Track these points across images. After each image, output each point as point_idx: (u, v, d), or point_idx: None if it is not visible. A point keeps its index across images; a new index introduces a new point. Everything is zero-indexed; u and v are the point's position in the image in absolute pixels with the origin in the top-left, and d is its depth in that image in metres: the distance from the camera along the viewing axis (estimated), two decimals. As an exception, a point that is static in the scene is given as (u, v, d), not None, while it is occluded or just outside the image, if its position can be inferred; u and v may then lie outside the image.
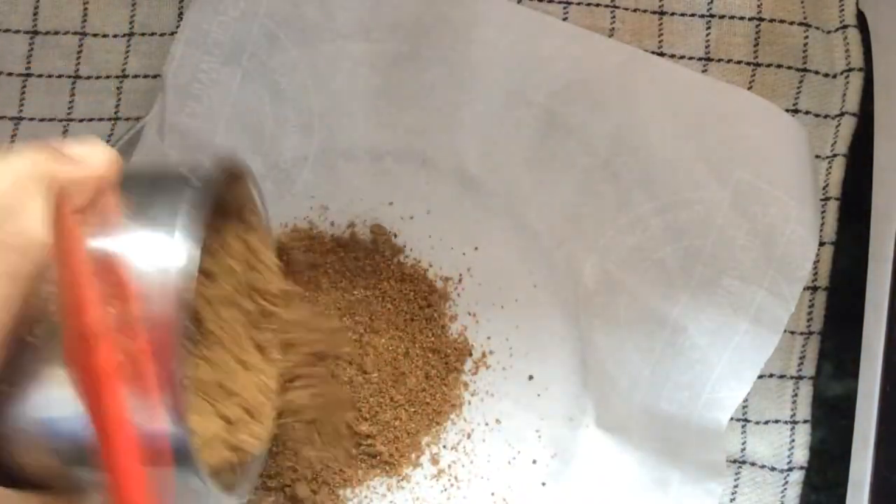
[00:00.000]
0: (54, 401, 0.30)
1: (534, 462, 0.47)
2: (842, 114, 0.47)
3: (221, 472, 0.36)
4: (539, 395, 0.47)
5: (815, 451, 0.46)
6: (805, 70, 0.48)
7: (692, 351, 0.45)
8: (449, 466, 0.47)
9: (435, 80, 0.47)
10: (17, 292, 0.27)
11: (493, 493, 0.47)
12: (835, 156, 0.47)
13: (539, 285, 0.48)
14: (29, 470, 0.31)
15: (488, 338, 0.48)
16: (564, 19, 0.49)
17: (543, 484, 0.47)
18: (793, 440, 0.46)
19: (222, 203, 0.37)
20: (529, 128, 0.47)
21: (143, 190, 0.32)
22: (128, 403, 0.28)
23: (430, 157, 0.49)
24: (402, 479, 0.46)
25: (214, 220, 0.36)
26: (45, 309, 0.29)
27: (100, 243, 0.30)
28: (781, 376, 0.47)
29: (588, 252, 0.47)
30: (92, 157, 0.30)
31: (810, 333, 0.47)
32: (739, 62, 0.48)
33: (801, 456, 0.46)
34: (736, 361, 0.44)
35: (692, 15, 0.48)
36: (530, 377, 0.48)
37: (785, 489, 0.46)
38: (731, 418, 0.45)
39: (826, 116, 0.48)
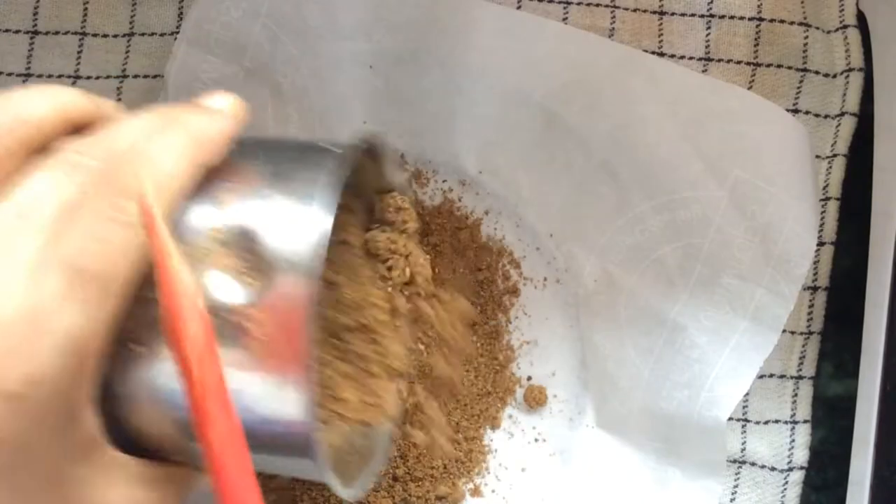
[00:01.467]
0: None
1: (534, 462, 0.47)
2: (842, 114, 0.47)
3: (340, 465, 0.34)
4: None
5: (815, 451, 0.46)
6: (805, 70, 0.48)
7: (691, 350, 0.45)
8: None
9: (434, 83, 0.48)
10: (138, 241, 0.26)
11: (493, 491, 0.47)
12: (835, 156, 0.47)
13: (539, 286, 0.48)
14: (147, 437, 0.30)
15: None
16: (564, 19, 0.49)
17: (544, 484, 0.47)
18: (793, 440, 0.46)
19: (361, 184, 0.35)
20: (528, 129, 0.47)
21: (275, 156, 0.30)
22: (233, 384, 0.26)
23: (430, 159, 0.49)
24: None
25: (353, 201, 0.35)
26: None
27: (230, 210, 0.28)
28: (781, 376, 0.47)
29: (588, 252, 0.47)
30: (225, 108, 0.30)
31: (810, 333, 0.47)
32: (739, 62, 0.48)
33: (801, 456, 0.46)
34: (735, 360, 0.44)
35: (692, 15, 0.48)
36: (529, 378, 0.48)
37: (785, 489, 0.46)
38: (731, 418, 0.45)
39: (826, 116, 0.48)
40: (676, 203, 0.45)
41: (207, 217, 0.28)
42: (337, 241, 0.35)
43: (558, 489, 0.47)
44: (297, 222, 0.28)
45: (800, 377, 0.47)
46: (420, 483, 0.46)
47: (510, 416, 0.48)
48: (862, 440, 0.43)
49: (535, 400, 0.47)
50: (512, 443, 0.47)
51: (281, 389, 0.28)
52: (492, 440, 0.47)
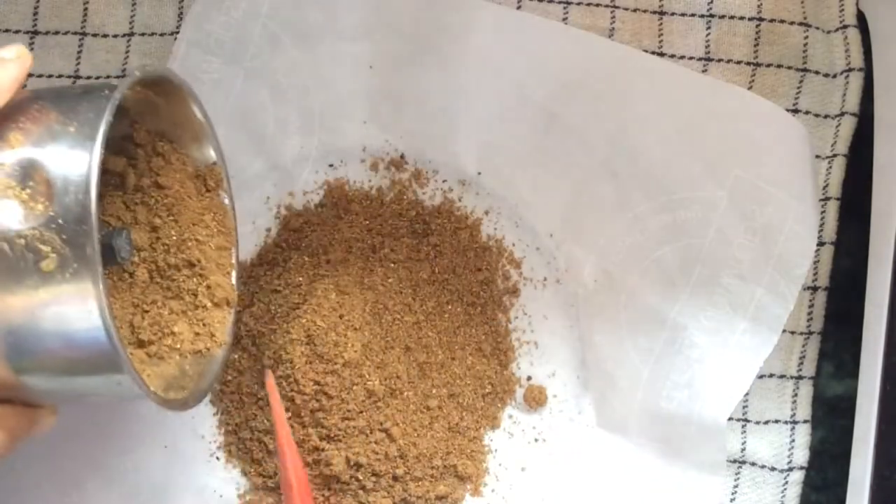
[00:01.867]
0: None
1: (534, 462, 0.47)
2: (842, 114, 0.47)
3: (174, 391, 0.38)
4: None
5: (815, 451, 0.46)
6: (805, 70, 0.48)
7: (691, 350, 0.45)
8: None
9: (434, 83, 0.48)
10: None
11: (493, 491, 0.47)
12: (835, 156, 0.47)
13: (539, 286, 0.48)
14: None
15: (488, 338, 0.48)
16: (564, 19, 0.49)
17: (544, 484, 0.47)
18: (793, 440, 0.46)
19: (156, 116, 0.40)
20: (528, 129, 0.47)
21: (59, 97, 0.34)
22: (36, 309, 0.31)
23: (430, 159, 0.49)
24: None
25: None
26: None
27: (15, 146, 0.33)
28: (781, 376, 0.47)
29: (587, 252, 0.47)
30: (11, 56, 0.34)
31: (810, 333, 0.47)
32: (739, 62, 0.48)
33: (801, 456, 0.46)
34: (735, 360, 0.44)
35: (692, 15, 0.48)
36: (529, 378, 0.48)
37: (785, 489, 0.46)
38: (731, 418, 0.46)
39: (826, 116, 0.48)
40: (676, 203, 0.45)
41: None
42: (152, 183, 0.40)
43: (558, 489, 0.47)
44: (71, 146, 0.32)
45: (800, 377, 0.47)
46: (420, 483, 0.46)
47: (510, 416, 0.48)
48: (862, 440, 0.43)
49: (535, 400, 0.47)
50: (512, 443, 0.47)
51: (79, 302, 0.31)
52: (492, 440, 0.47)
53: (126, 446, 0.46)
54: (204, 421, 0.48)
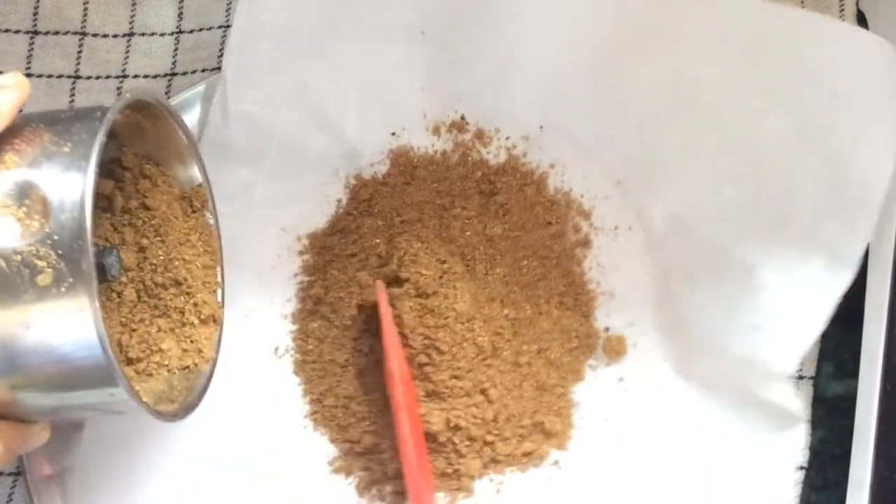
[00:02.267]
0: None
1: (618, 413, 0.46)
2: (842, 113, 0.47)
3: (163, 404, 0.39)
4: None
5: (815, 451, 0.46)
6: (806, 69, 0.48)
7: (763, 290, 0.43)
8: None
9: (487, 42, 0.47)
10: None
11: (577, 443, 0.46)
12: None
13: (610, 235, 0.48)
14: None
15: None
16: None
17: (627, 434, 0.46)
18: (794, 439, 0.46)
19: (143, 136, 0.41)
20: (584, 78, 0.47)
21: (54, 120, 0.35)
22: (30, 323, 0.32)
23: (491, 118, 0.49)
24: None
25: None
26: None
27: (12, 167, 0.33)
28: (783, 375, 0.46)
29: (656, 197, 0.47)
30: (9, 83, 0.35)
31: (811, 333, 0.47)
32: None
33: (801, 456, 0.46)
34: (808, 299, 0.43)
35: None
36: (607, 329, 0.48)
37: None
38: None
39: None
40: (741, 138, 0.44)
41: None
42: (139, 205, 0.42)
43: (641, 439, 0.46)
44: (66, 165, 0.33)
45: (800, 377, 0.46)
46: (507, 441, 0.45)
47: (590, 367, 0.47)
48: (862, 440, 0.43)
49: (615, 350, 0.47)
50: (594, 395, 0.47)
51: (75, 314, 0.32)
52: (574, 393, 0.47)
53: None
54: (289, 390, 0.47)
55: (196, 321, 0.42)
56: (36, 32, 0.51)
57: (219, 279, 0.44)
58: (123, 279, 0.40)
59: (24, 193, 0.33)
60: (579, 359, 0.47)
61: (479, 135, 0.49)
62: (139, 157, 0.42)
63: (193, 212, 0.44)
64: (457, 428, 0.44)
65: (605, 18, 0.46)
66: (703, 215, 0.45)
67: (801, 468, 0.46)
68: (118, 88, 0.51)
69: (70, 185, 0.33)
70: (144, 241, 0.41)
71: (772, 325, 0.43)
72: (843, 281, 0.42)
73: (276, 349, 0.48)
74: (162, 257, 0.42)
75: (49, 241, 0.32)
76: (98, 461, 0.44)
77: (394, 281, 0.46)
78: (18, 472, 0.46)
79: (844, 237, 0.42)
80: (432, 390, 0.44)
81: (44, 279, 0.32)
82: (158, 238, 0.42)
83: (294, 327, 0.48)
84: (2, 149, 0.34)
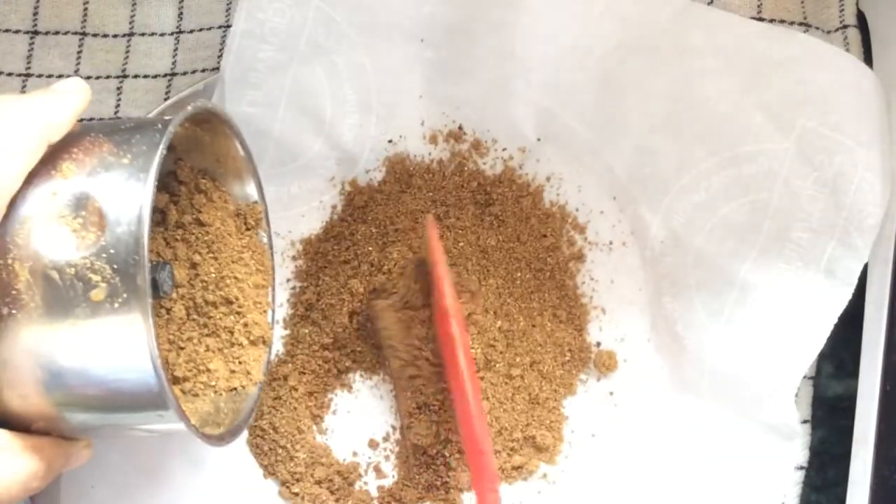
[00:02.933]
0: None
1: (606, 428, 0.47)
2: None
3: (210, 427, 0.38)
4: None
5: (815, 451, 0.46)
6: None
7: (762, 308, 0.43)
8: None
9: (487, 50, 0.47)
10: None
11: (566, 457, 0.46)
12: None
13: (604, 249, 0.48)
14: (9, 404, 0.32)
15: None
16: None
17: (616, 449, 0.46)
18: (793, 440, 0.46)
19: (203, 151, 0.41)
20: (585, 91, 0.47)
21: (112, 131, 0.35)
22: (82, 339, 0.31)
23: (488, 128, 0.49)
24: None
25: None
26: None
27: (69, 176, 0.33)
28: (783, 376, 0.46)
29: (653, 213, 0.47)
30: (71, 90, 0.34)
31: (811, 333, 0.47)
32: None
33: (801, 456, 0.46)
34: (808, 317, 0.43)
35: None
36: (598, 343, 0.48)
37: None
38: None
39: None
40: (741, 157, 0.44)
41: (48, 184, 0.32)
42: (193, 220, 0.41)
43: (630, 454, 0.46)
44: (125, 178, 0.32)
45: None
46: (497, 455, 0.45)
47: (581, 382, 0.47)
48: (862, 440, 0.42)
49: (606, 365, 0.47)
50: (584, 409, 0.47)
51: (127, 331, 0.31)
52: (564, 407, 0.47)
53: None
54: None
55: (245, 342, 0.41)
56: (36, 32, 0.51)
57: (270, 300, 0.43)
58: (174, 295, 0.39)
59: (81, 204, 0.32)
60: (572, 372, 0.47)
61: (476, 145, 0.49)
62: (195, 171, 0.41)
63: (247, 229, 0.43)
64: (447, 441, 0.44)
65: (606, 33, 0.46)
66: (698, 233, 0.45)
67: (801, 468, 0.46)
68: (118, 88, 0.51)
69: (128, 197, 0.32)
70: (197, 258, 0.40)
71: (768, 345, 0.43)
72: (840, 300, 0.42)
73: None
74: (214, 275, 0.41)
75: (104, 255, 0.31)
76: (94, 461, 0.44)
77: (382, 291, 0.46)
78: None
79: (843, 256, 0.42)
80: (423, 402, 0.44)
81: (97, 294, 0.31)
82: (211, 255, 0.41)
83: (285, 332, 0.48)
84: (60, 157, 0.33)
